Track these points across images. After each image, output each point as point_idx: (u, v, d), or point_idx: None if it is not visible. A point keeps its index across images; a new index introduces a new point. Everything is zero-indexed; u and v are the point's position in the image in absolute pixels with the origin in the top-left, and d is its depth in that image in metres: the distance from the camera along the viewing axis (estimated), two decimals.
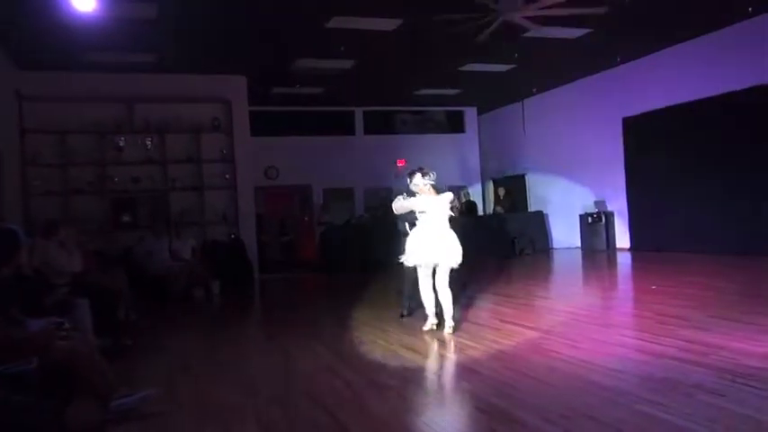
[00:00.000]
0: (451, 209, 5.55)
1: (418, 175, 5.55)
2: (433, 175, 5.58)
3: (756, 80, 9.14)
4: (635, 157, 11.81)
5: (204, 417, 3.64)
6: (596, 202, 12.73)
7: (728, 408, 3.17)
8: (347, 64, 10.79)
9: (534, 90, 14.19)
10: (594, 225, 12.67)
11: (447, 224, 5.53)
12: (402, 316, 6.35)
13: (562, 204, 13.86)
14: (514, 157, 15.64)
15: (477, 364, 4.48)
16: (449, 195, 5.54)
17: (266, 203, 14.11)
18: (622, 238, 12.37)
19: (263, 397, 3.94)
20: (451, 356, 4.82)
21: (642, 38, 10.19)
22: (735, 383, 3.52)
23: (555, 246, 14.08)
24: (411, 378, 4.27)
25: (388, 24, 8.69)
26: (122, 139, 10.40)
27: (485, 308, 6.88)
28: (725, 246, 9.61)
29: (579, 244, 13.14)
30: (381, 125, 15.72)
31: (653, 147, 11.22)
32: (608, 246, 12.45)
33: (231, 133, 11.08)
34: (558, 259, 12.47)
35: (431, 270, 5.59)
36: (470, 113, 16.51)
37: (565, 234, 13.78)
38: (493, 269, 10.48)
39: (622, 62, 11.73)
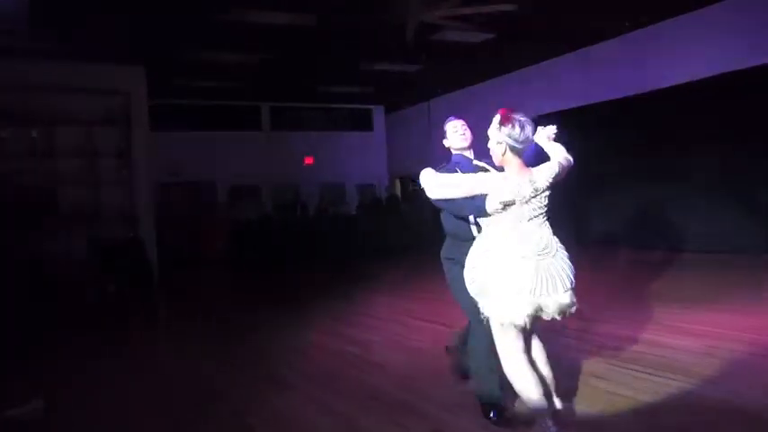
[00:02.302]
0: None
1: (528, 126, 2.81)
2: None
3: (642, 87, 9.86)
4: None
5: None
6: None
7: (611, 390, 3.42)
8: (254, 58, 10.58)
9: (439, 91, 14.57)
10: None
11: (548, 226, 2.90)
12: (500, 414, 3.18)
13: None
14: (421, 156, 15.98)
15: (382, 358, 4.56)
16: (552, 165, 2.88)
17: (169, 200, 13.54)
18: None
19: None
20: (356, 352, 4.87)
21: (541, 45, 10.75)
22: (613, 367, 3.83)
23: None
24: (313, 375, 4.28)
25: (296, 19, 8.61)
26: (5, 130, 9.60)
27: (390, 303, 6.99)
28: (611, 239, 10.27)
29: None
30: (289, 121, 15.55)
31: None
32: None
33: (129, 126, 10.53)
34: None
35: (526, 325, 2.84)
36: (378, 112, 16.70)
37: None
38: (405, 266, 10.68)
39: (524, 66, 12.31)
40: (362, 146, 16.25)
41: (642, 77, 9.90)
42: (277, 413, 3.53)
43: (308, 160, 15.20)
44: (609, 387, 3.49)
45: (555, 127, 3.10)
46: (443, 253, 3.38)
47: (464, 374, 3.58)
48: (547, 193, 2.83)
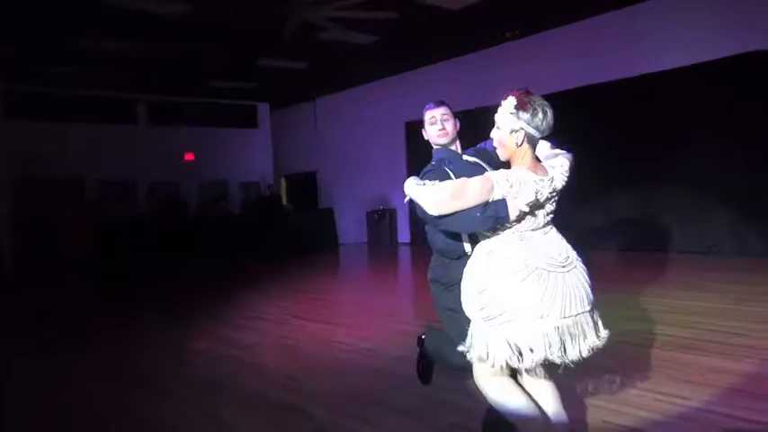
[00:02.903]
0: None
1: (549, 111, 2.31)
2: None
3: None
4: (416, 158, 12.82)
5: None
6: (381, 200, 13.59)
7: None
8: (134, 46, 9.94)
9: (326, 90, 14.59)
10: (379, 221, 13.52)
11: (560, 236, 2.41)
12: None
13: (350, 201, 14.50)
14: (306, 155, 15.93)
15: (267, 360, 4.49)
16: (563, 161, 2.42)
17: (28, 196, 12.35)
18: (405, 234, 13.38)
19: None
20: (240, 355, 4.76)
21: (422, 51, 11.12)
22: None
23: (344, 241, 14.66)
24: (195, 381, 4.13)
25: (177, 8, 8.22)
26: None
27: (273, 304, 6.91)
28: None
29: (366, 239, 13.92)
30: (168, 116, 14.79)
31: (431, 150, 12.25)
32: (391, 241, 13.40)
33: None
34: (347, 254, 13.00)
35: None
36: (263, 109, 16.37)
37: (353, 230, 14.44)
38: (284, 266, 10.56)
39: (407, 70, 12.65)
40: (247, 143, 15.85)
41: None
42: (151, 423, 3.37)
43: (189, 156, 14.54)
44: None
45: None
46: (431, 274, 2.78)
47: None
48: (557, 195, 2.35)
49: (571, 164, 2.40)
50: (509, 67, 10.53)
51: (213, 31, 9.25)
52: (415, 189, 2.32)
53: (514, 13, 9.13)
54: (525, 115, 2.26)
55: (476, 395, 2.56)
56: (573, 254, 2.32)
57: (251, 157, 15.87)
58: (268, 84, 13.50)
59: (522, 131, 2.27)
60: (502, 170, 2.31)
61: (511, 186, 2.22)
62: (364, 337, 4.94)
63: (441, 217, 2.26)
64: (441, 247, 2.65)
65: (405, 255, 12.12)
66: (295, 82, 13.23)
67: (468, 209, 2.21)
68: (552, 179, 2.31)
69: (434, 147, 2.78)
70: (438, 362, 3.07)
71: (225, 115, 15.70)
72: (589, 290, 2.26)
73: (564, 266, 2.24)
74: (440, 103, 2.75)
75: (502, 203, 2.21)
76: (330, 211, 14.71)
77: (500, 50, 11.01)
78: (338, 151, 14.93)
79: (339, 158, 14.92)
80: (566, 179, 2.35)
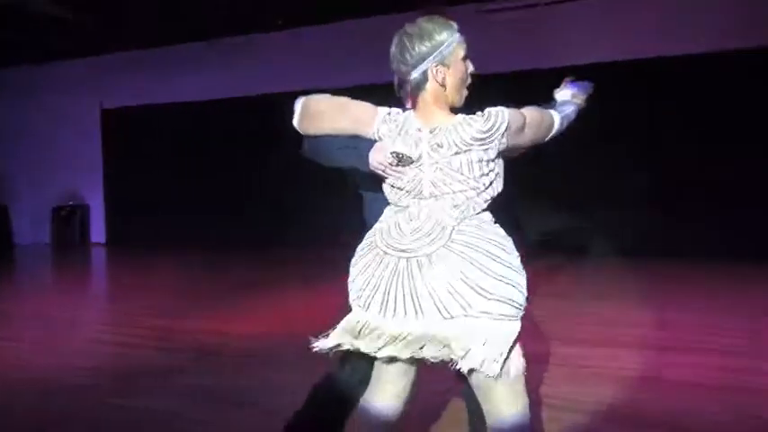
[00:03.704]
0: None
1: (396, 39, 1.71)
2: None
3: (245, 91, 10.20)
4: (114, 149, 11.69)
5: None
6: (71, 195, 11.98)
7: (198, 383, 3.48)
8: None
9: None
10: (68, 219, 11.89)
11: (484, 214, 1.70)
12: None
13: (32, 197, 12.43)
14: None
15: None
16: (500, 113, 1.64)
17: None
18: (99, 233, 12.04)
19: None
20: None
21: (127, 31, 10.14)
22: (200, 360, 3.93)
23: (20, 242, 12.48)
24: None
25: None
26: None
27: None
28: (208, 241, 10.41)
29: (49, 239, 12.09)
30: None
31: (142, 142, 11.30)
32: (82, 241, 11.90)
33: None
34: (23, 258, 11.12)
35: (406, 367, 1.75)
36: None
37: (33, 229, 12.40)
38: None
39: (106, 52, 11.37)
40: None
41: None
42: None
43: None
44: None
45: None
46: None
47: None
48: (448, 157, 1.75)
49: (500, 120, 1.62)
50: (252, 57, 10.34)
51: None
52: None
53: None
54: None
55: None
56: (453, 239, 1.60)
57: None
58: None
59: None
60: (394, 108, 1.75)
61: (393, 127, 1.69)
62: (47, 354, 4.30)
63: (306, 141, 1.81)
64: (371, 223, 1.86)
65: (98, 257, 10.90)
66: None
67: (338, 134, 1.74)
68: (438, 131, 1.64)
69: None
70: None
71: None
72: (444, 296, 1.57)
73: (404, 251, 1.63)
74: None
75: (369, 143, 1.70)
76: (4, 209, 12.38)
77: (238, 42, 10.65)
78: (15, 138, 12.63)
79: (17, 147, 12.63)
80: (471, 138, 1.61)
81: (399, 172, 1.66)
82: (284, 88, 8.88)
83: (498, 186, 1.69)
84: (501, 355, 1.55)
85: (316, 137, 1.78)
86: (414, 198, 1.68)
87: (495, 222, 1.71)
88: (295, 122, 1.80)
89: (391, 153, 1.64)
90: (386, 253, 1.66)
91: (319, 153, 1.81)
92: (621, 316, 4.87)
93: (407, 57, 1.65)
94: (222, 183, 10.59)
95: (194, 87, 10.68)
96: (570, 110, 1.93)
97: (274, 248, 9.47)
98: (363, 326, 1.66)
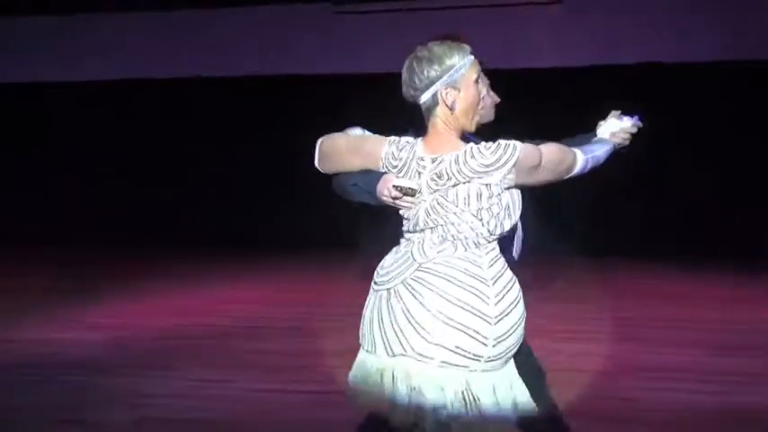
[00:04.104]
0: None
1: (407, 63, 1.66)
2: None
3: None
4: None
5: None
6: None
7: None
8: None
9: None
10: None
11: (478, 251, 1.60)
12: None
13: None
14: None
15: None
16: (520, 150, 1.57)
17: None
18: None
19: None
20: None
21: None
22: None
23: None
24: None
25: None
26: None
27: None
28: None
29: None
30: None
31: None
32: None
33: None
34: None
35: None
36: None
37: None
38: None
39: None
40: None
41: None
42: None
43: None
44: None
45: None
46: None
47: None
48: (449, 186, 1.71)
49: (509, 154, 1.55)
50: None
51: None
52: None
53: None
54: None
55: None
56: (414, 276, 1.58)
57: None
58: None
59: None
60: (407, 138, 1.71)
61: (395, 158, 1.65)
62: None
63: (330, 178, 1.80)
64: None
65: None
66: None
67: (353, 170, 1.72)
68: (440, 161, 1.60)
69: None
70: None
71: None
72: (389, 331, 1.56)
73: (384, 284, 1.63)
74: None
75: (377, 176, 1.68)
76: None
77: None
78: None
79: None
80: (472, 170, 1.55)
81: (409, 202, 1.61)
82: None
83: (505, 223, 1.59)
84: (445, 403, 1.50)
85: (337, 174, 1.77)
86: (413, 230, 1.64)
87: (496, 260, 1.60)
88: (316, 163, 1.79)
89: (393, 186, 1.60)
90: (375, 291, 1.65)
91: (341, 190, 1.80)
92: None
93: (416, 80, 1.61)
94: None
95: None
96: (603, 150, 1.80)
97: None
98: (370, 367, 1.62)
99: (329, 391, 2.83)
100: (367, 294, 1.69)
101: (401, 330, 1.53)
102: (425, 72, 1.59)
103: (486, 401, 1.50)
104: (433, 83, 1.60)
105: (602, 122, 1.92)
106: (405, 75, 1.64)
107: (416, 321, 1.51)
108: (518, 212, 1.61)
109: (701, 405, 3.01)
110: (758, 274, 5.90)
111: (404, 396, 1.52)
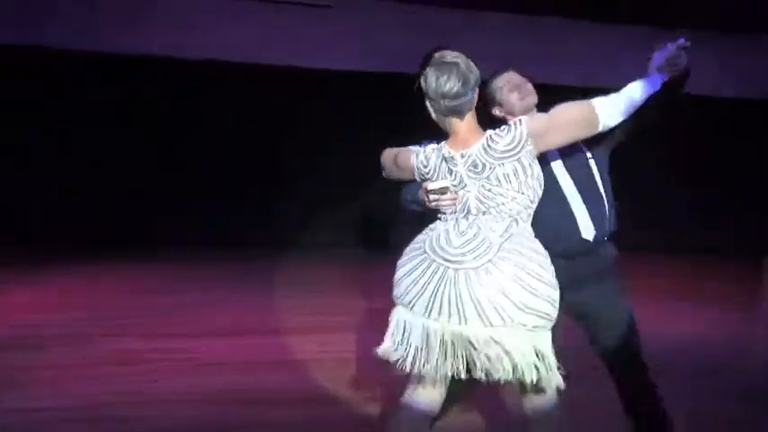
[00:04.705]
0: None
1: (439, 74, 1.82)
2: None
3: None
4: None
5: None
6: None
7: None
8: None
9: None
10: None
11: (526, 230, 1.86)
12: None
13: None
14: None
15: None
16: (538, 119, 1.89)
17: None
18: None
19: None
20: None
21: None
22: None
23: None
24: None
25: None
26: None
27: None
28: None
29: None
30: None
31: None
32: None
33: None
34: None
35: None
36: None
37: None
38: None
39: None
40: None
41: None
42: None
43: None
44: None
45: None
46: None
47: None
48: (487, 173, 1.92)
49: (517, 130, 1.78)
50: None
51: None
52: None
53: None
54: (423, 83, 1.83)
55: None
56: (499, 256, 1.73)
57: None
58: None
59: (428, 102, 1.86)
60: (432, 145, 1.90)
61: (426, 166, 1.87)
62: None
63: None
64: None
65: None
66: None
67: (404, 179, 2.04)
68: (469, 155, 1.81)
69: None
70: None
71: None
72: (488, 307, 1.69)
73: (452, 262, 1.74)
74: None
75: (415, 187, 1.96)
76: None
77: None
78: None
79: None
80: (500, 153, 1.77)
81: (451, 200, 1.82)
82: None
83: (539, 192, 1.83)
84: (533, 361, 1.71)
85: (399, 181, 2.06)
86: (463, 214, 1.84)
87: (535, 237, 1.83)
88: (384, 175, 2.10)
89: (428, 192, 1.82)
90: (434, 260, 1.77)
91: (401, 206, 2.13)
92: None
93: (471, 79, 1.80)
94: None
95: None
96: (636, 88, 1.81)
97: None
98: (407, 324, 1.79)
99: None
100: None
101: (499, 305, 1.69)
102: (473, 70, 1.80)
103: (551, 359, 1.75)
104: (477, 83, 1.82)
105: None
106: (452, 82, 1.77)
107: (515, 296, 1.69)
108: (543, 182, 1.84)
109: None
110: None
111: (483, 361, 1.69)
